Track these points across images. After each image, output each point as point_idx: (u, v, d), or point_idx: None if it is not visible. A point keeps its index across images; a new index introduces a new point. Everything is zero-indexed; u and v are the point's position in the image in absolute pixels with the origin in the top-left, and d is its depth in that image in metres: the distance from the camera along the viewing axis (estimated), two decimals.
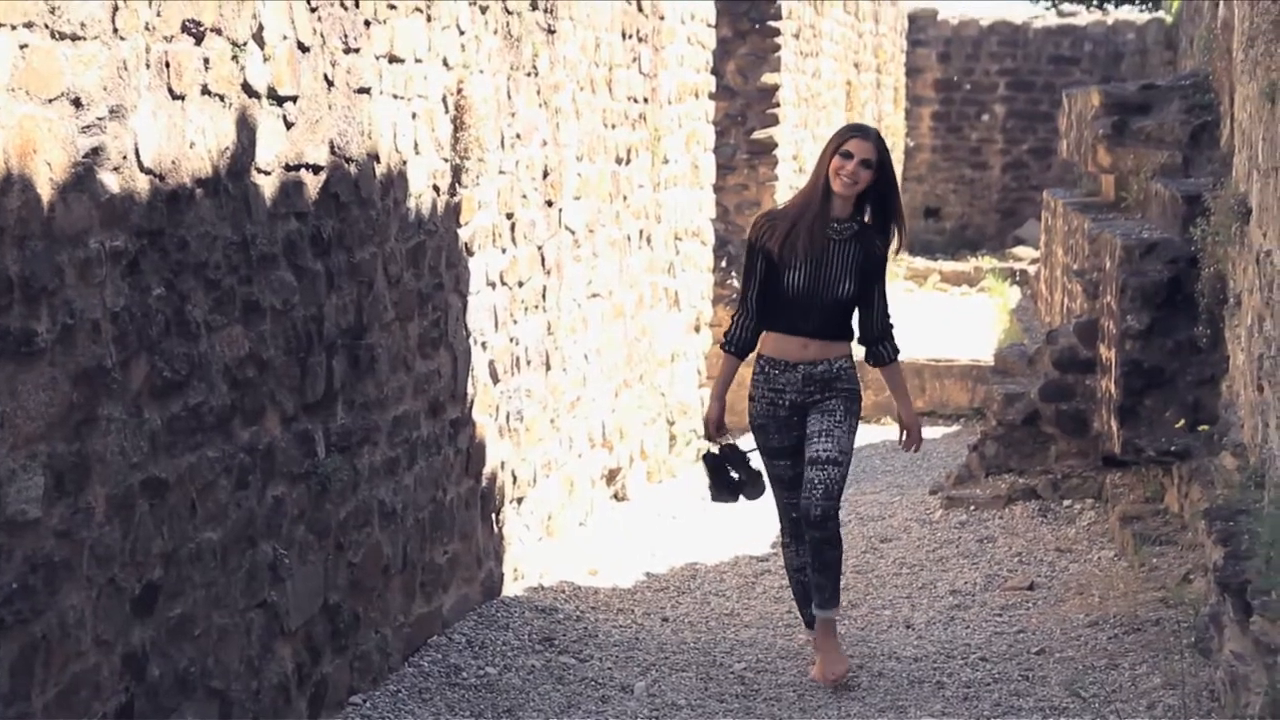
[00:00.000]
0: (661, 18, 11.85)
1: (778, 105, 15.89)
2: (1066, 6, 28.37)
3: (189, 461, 5.29)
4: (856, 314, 7.18)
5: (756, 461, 7.36)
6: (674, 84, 12.29)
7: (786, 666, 7.48)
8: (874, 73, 21.78)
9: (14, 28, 4.29)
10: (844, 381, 7.04)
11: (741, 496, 7.43)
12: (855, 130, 7.08)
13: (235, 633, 5.64)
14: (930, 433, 14.57)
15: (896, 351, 7.25)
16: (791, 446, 7.08)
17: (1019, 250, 23.97)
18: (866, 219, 7.08)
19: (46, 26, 4.43)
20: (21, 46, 4.32)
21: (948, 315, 19.54)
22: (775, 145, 15.78)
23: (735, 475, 7.39)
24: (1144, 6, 31.47)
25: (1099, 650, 7.32)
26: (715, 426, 7.27)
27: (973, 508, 10.41)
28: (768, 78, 15.86)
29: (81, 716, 4.69)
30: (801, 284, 6.96)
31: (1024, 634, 7.78)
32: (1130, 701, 6.59)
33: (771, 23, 15.87)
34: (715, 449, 7.44)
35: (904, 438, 7.28)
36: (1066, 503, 10.13)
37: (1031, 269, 20.88)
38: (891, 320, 7.23)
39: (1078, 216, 12.37)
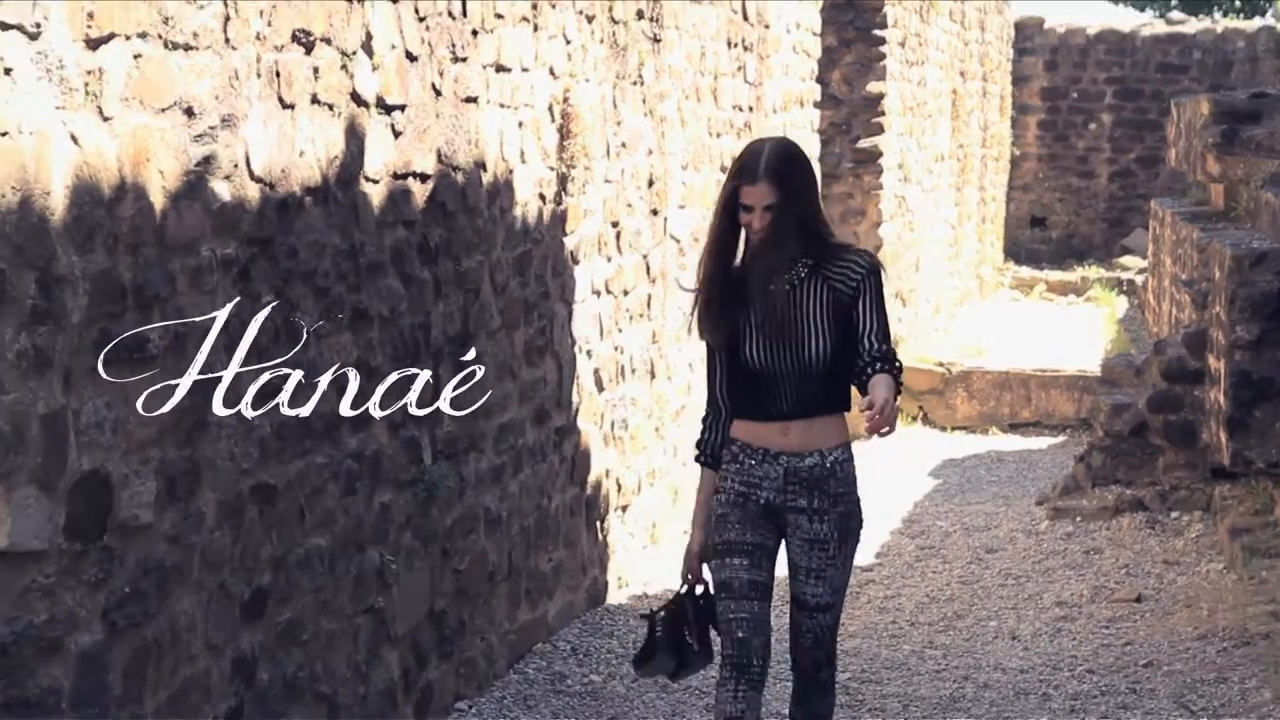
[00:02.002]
0: (767, 26, 11.84)
1: (883, 114, 15.83)
2: (1175, 14, 28.10)
3: (298, 468, 5.33)
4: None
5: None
6: (779, 92, 12.28)
7: (891, 677, 7.45)
8: (980, 81, 21.66)
9: (128, 38, 4.34)
10: (839, 485, 5.30)
11: (681, 669, 5.73)
12: (742, 174, 5.22)
13: (343, 638, 5.68)
14: (1036, 443, 14.47)
15: (894, 369, 5.17)
16: (753, 545, 5.39)
17: (1126, 260, 23.77)
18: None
19: (160, 36, 4.48)
20: (135, 56, 4.37)
21: (1054, 325, 19.40)
22: (880, 154, 15.71)
23: (689, 639, 5.66)
24: (1243, 14, 31.11)
25: (1208, 664, 7.24)
26: (699, 560, 5.55)
27: (1079, 519, 10.33)
28: (873, 86, 15.80)
29: (192, 719, 4.74)
30: (759, 354, 5.24)
31: (1131, 646, 7.71)
32: (1240, 716, 6.52)
33: (877, 31, 15.81)
34: (696, 588, 5.63)
35: (868, 409, 5.02)
36: (1174, 514, 10.04)
37: (1139, 279, 20.72)
38: (889, 345, 5.27)
39: (1186, 226, 12.25)
